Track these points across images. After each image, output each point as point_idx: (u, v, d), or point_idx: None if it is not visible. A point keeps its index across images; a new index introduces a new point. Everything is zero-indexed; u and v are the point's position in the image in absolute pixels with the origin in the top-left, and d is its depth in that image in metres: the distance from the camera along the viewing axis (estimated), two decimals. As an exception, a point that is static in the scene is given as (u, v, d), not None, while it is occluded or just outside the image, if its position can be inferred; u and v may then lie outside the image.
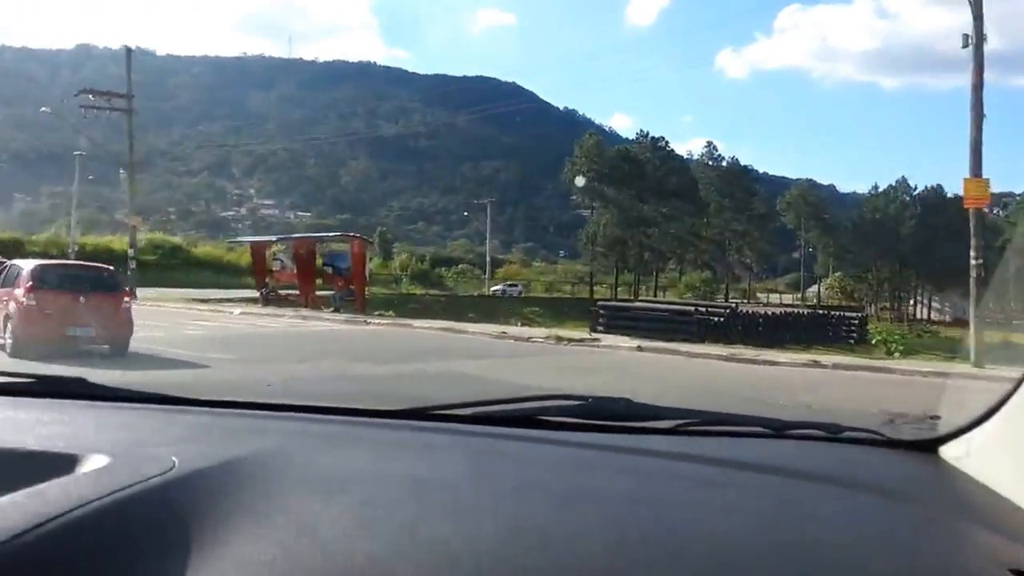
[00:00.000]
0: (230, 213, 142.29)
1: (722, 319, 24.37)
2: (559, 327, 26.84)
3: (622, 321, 24.81)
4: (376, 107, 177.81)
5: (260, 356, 15.48)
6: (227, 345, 17.28)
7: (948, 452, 1.53)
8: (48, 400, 1.69)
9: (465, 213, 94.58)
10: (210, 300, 34.39)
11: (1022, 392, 1.37)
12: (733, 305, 33.39)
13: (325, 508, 1.11)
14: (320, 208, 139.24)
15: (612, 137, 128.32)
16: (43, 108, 45.41)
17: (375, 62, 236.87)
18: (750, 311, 29.85)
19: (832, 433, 1.66)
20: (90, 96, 35.15)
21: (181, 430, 1.48)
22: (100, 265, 16.01)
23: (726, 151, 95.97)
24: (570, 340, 20.92)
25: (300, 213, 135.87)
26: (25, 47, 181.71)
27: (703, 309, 25.69)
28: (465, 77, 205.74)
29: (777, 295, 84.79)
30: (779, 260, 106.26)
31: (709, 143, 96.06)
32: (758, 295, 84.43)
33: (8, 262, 15.67)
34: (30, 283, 13.57)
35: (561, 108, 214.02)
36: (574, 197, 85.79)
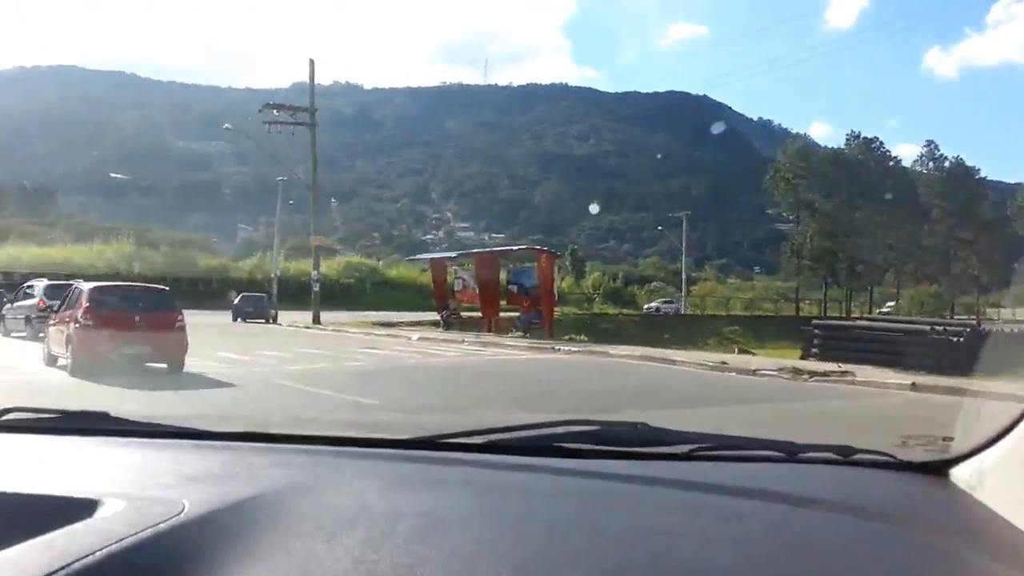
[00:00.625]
0: (429, 236, 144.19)
1: (961, 339, 18.45)
2: (762, 349, 22.17)
3: (841, 343, 19.63)
4: (567, 127, 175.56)
5: (414, 399, 11.83)
6: (384, 382, 13.93)
7: (958, 474, 1.49)
8: (71, 437, 1.68)
9: (659, 228, 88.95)
10: (394, 324, 31.52)
11: None
12: (974, 323, 26.86)
13: (328, 549, 1.09)
14: (513, 229, 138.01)
15: (811, 147, 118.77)
16: (239, 135, 44.66)
17: (567, 83, 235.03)
18: (998, 329, 24.39)
19: (844, 456, 1.63)
20: (274, 111, 33.29)
21: (195, 468, 1.44)
22: (155, 286, 16.07)
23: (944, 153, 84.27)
24: (812, 374, 15.65)
25: (494, 234, 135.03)
26: (248, 88, 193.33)
27: (940, 328, 19.67)
28: (656, 93, 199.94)
29: (1007, 310, 73.10)
30: (1011, 271, 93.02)
31: (930, 143, 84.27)
32: (986, 310, 73.19)
33: (74, 284, 15.65)
34: (87, 304, 13.41)
35: (755, 119, 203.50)
36: (770, 211, 78.27)
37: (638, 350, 20.50)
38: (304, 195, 36.95)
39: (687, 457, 1.60)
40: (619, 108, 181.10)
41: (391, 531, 1.15)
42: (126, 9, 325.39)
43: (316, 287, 33.96)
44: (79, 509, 1.17)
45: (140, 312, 13.81)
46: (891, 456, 1.64)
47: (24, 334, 22.06)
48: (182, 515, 1.14)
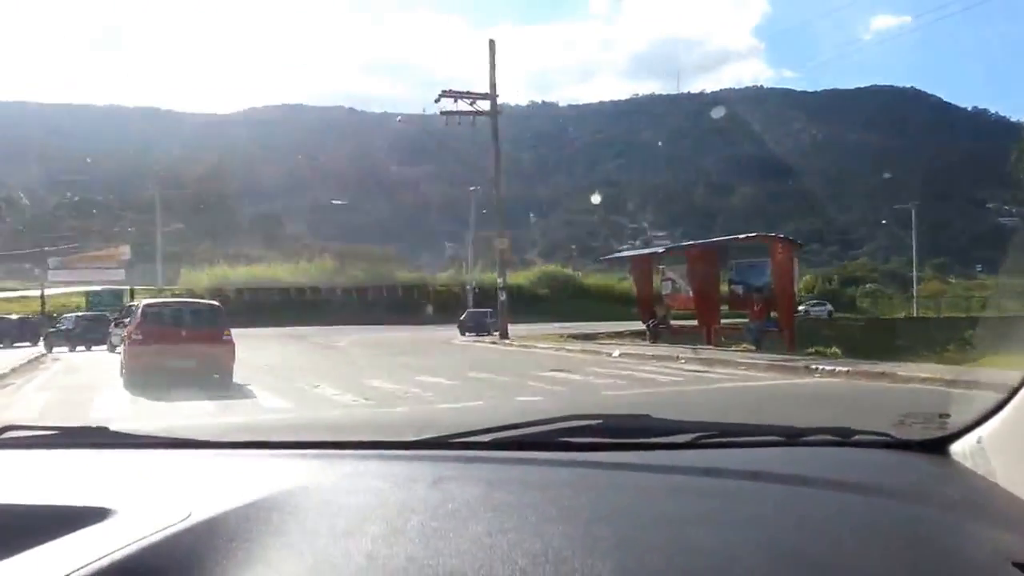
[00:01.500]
0: (625, 246, 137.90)
1: None
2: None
3: None
4: (763, 130, 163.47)
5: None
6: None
7: (957, 450, 1.50)
8: (72, 451, 1.63)
9: (883, 222, 78.05)
10: (591, 336, 26.01)
11: None
12: None
13: (338, 549, 1.07)
14: (711, 236, 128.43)
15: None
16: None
17: (762, 85, 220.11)
18: None
19: (844, 437, 1.62)
20: (453, 101, 28.78)
21: (200, 476, 1.42)
22: (204, 301, 17.03)
23: None
24: None
25: (691, 241, 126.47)
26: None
27: None
28: (858, 89, 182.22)
29: None
30: None
31: None
32: None
33: (133, 303, 17.48)
34: (138, 320, 13.91)
35: (969, 108, 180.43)
36: (991, 205, 65.41)
37: (924, 367, 13.65)
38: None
39: (691, 445, 1.58)
40: (820, 106, 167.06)
41: (403, 527, 1.12)
42: (342, 49, 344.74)
43: (502, 296, 29.17)
44: (87, 517, 1.14)
45: (189, 327, 13.91)
46: (889, 435, 1.62)
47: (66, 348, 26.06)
48: (189, 520, 1.11)
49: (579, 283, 61.01)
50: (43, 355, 24.86)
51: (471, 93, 28.78)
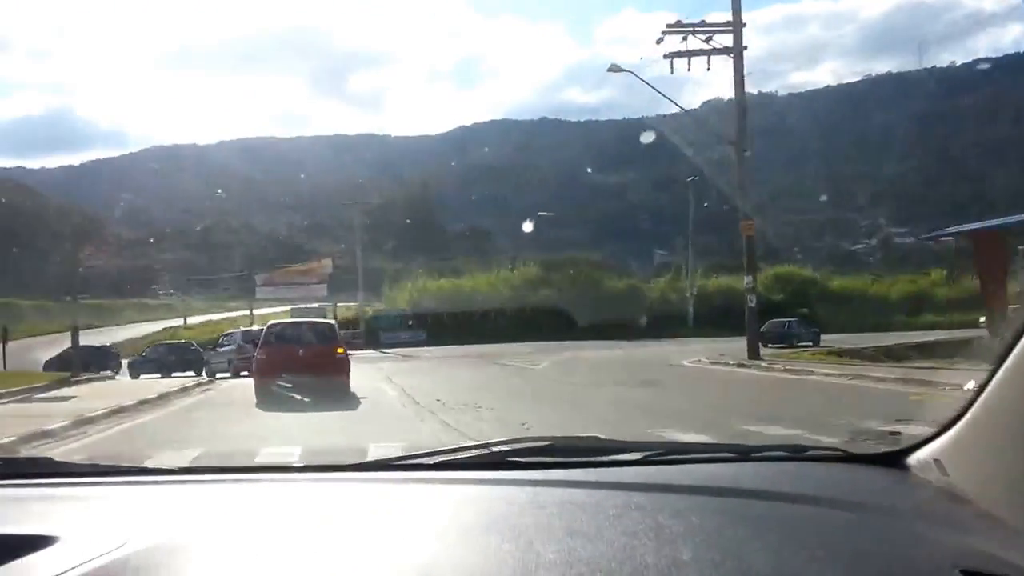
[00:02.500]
0: (859, 246, 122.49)
1: None
2: None
3: None
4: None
5: None
6: None
7: (910, 463, 1.49)
8: (14, 482, 1.62)
9: None
10: (896, 355, 17.72)
11: (982, 401, 1.33)
12: None
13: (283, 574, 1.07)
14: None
15: None
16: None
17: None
18: None
19: (796, 453, 1.61)
20: (681, 39, 21.53)
21: (139, 506, 1.42)
22: (321, 320, 18.90)
23: None
24: None
25: (944, 239, 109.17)
26: (658, 114, 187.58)
27: None
28: None
29: None
30: None
31: None
32: None
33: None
34: (263, 339, 15.48)
35: None
36: None
37: None
38: (717, 211, 25.93)
39: (641, 462, 1.55)
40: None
41: (345, 550, 1.12)
42: (542, 60, 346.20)
43: (751, 301, 21.20)
44: (26, 545, 1.15)
45: (305, 345, 14.97)
46: (842, 450, 1.62)
47: (227, 374, 25.21)
48: (122, 550, 1.12)
49: (822, 286, 51.18)
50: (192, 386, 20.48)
51: (705, 25, 21.15)
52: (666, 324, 38.34)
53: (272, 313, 48.66)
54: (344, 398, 13.79)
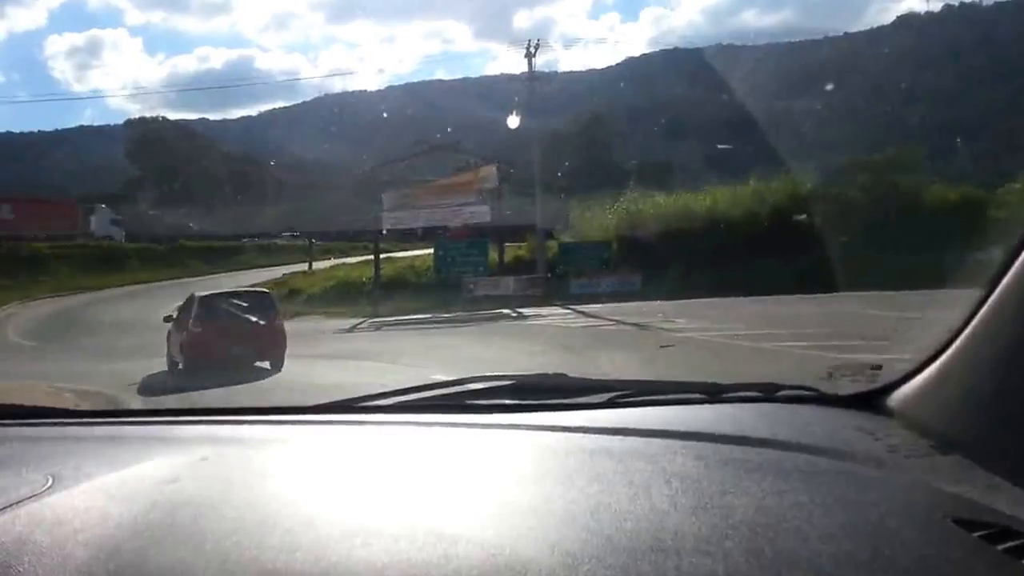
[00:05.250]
0: None
1: None
2: None
3: None
4: None
5: None
6: None
7: (889, 403, 1.38)
8: None
9: None
10: None
11: (962, 339, 1.21)
12: None
13: (217, 518, 1.00)
14: None
15: None
16: None
17: None
18: None
19: (768, 393, 1.51)
20: None
21: (61, 447, 1.35)
22: (255, 290, 17.05)
23: None
24: None
25: None
26: (846, 33, 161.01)
27: None
28: None
29: None
30: None
31: None
32: None
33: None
34: (196, 311, 13.52)
35: None
36: None
37: None
38: None
39: (608, 405, 1.47)
40: None
41: (299, 493, 1.05)
42: None
43: None
44: None
45: (241, 316, 13.34)
46: (816, 390, 1.51)
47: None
48: (47, 488, 1.09)
49: None
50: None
51: None
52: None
53: (409, 257, 35.97)
54: None
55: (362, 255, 39.96)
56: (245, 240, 56.36)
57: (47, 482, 1.11)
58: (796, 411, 1.45)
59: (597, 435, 1.29)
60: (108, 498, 1.06)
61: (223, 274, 46.37)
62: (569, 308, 24.85)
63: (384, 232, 32.18)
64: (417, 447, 1.27)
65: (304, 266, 43.32)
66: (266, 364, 12.99)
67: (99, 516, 1.00)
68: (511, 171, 33.45)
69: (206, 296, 14.33)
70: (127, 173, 73.96)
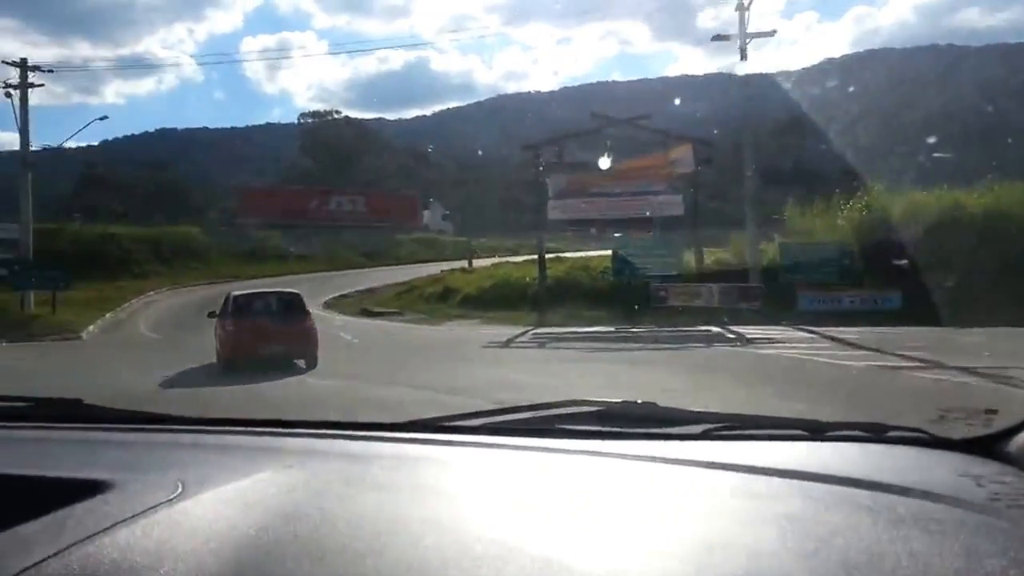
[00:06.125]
0: None
1: None
2: None
3: None
4: None
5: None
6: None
7: (1005, 450, 1.28)
8: (48, 424, 1.56)
9: None
10: None
11: None
12: None
13: (332, 531, 1.00)
14: None
15: None
16: None
17: None
18: None
19: (875, 433, 1.42)
20: None
21: (185, 453, 1.35)
22: (286, 291, 15.57)
23: None
24: None
25: None
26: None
27: None
28: None
29: None
30: None
31: None
32: None
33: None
34: (230, 310, 13.72)
35: None
36: None
37: None
38: None
39: (701, 436, 1.40)
40: None
41: (392, 509, 1.05)
42: None
43: None
44: (81, 490, 1.10)
45: (274, 315, 13.68)
46: (927, 433, 1.40)
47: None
48: (179, 494, 1.08)
49: None
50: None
51: None
52: None
53: (580, 258, 29.70)
54: None
55: (529, 254, 34.70)
56: (400, 235, 53.41)
57: (178, 488, 1.10)
58: (906, 453, 1.34)
59: (693, 467, 1.22)
60: (233, 507, 1.05)
61: (381, 267, 43.35)
62: (807, 330, 17.63)
63: (549, 221, 25.55)
64: (506, 469, 1.25)
65: (464, 263, 38.53)
66: (301, 362, 13.04)
67: (227, 525, 1.00)
68: (711, 153, 26.01)
69: (239, 295, 14.40)
70: (300, 167, 74.21)
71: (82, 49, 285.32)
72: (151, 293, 33.46)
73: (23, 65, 28.00)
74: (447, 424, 1.51)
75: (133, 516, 1.00)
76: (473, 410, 1.55)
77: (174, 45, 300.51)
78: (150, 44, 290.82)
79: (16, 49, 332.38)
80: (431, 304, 28.78)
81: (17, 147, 28.17)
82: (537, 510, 1.06)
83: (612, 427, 1.42)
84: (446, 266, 37.22)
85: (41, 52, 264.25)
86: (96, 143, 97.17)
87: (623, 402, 1.52)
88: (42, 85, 29.03)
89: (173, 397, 10.23)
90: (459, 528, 1.00)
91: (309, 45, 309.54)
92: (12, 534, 0.96)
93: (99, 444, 1.43)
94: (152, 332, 23.97)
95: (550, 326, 21.03)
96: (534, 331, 20.20)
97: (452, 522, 1.02)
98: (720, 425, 1.43)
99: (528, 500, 1.10)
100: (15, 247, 28.14)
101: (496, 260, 37.89)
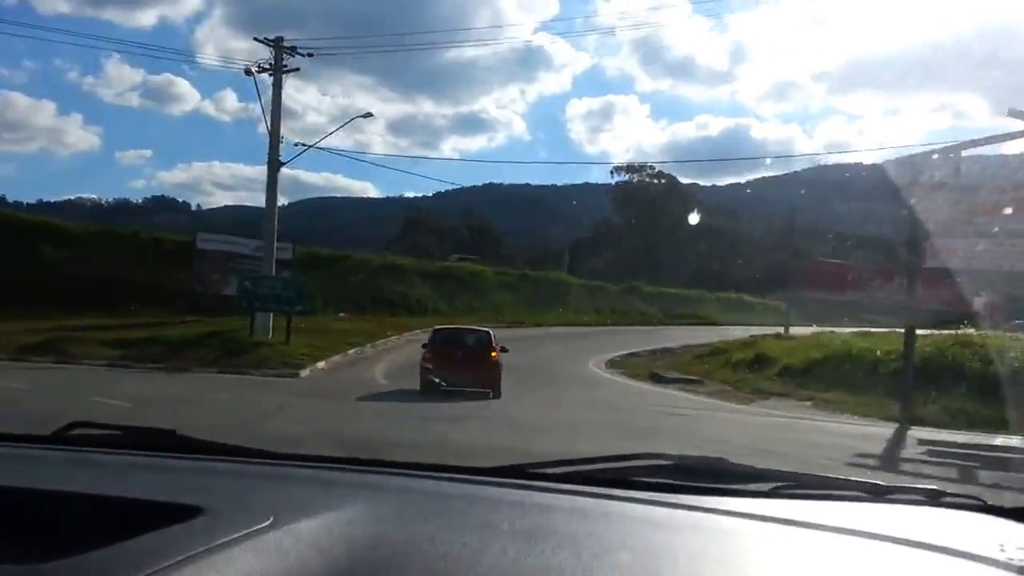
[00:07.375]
0: None
1: None
2: None
3: None
4: None
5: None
6: None
7: None
8: (141, 452, 1.60)
9: None
10: None
11: None
12: None
13: (422, 564, 1.03)
14: None
15: None
16: None
17: None
18: None
19: (932, 498, 1.46)
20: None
21: (277, 484, 1.39)
22: (478, 328, 18.73)
23: None
24: None
25: None
26: None
27: None
28: None
29: None
30: None
31: None
32: None
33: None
34: (429, 341, 16.58)
35: None
36: None
37: None
38: None
39: (770, 494, 1.43)
40: None
41: (477, 553, 1.06)
42: None
43: None
44: (171, 515, 1.12)
45: (462, 348, 16.34)
46: (981, 500, 1.45)
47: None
48: (269, 524, 1.09)
49: None
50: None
51: None
52: None
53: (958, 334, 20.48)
54: None
55: (859, 326, 26.38)
56: (705, 292, 47.10)
57: (269, 517, 1.10)
58: (963, 519, 1.37)
59: (765, 523, 1.24)
60: (325, 538, 1.07)
61: (675, 326, 37.66)
62: None
63: (923, 269, 16.97)
64: (586, 517, 1.26)
65: (778, 329, 31.21)
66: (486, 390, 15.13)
67: (318, 555, 1.01)
68: None
69: (439, 329, 17.65)
70: (609, 221, 72.53)
71: (426, 106, 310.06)
72: (417, 331, 28.67)
73: (278, 45, 24.40)
74: (530, 471, 1.51)
75: (224, 542, 1.01)
76: (552, 459, 1.56)
77: (507, 105, 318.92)
78: (486, 103, 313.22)
79: (370, 103, 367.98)
80: (738, 373, 22.07)
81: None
82: (614, 558, 1.07)
83: (684, 481, 1.42)
84: (752, 331, 30.30)
85: (391, 107, 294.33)
86: (430, 194, 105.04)
87: (696, 456, 1.55)
88: (297, 69, 25.09)
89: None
90: (536, 565, 1.02)
91: (631, 108, 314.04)
92: (115, 551, 0.97)
93: (190, 472, 1.44)
94: (384, 378, 19.39)
95: (927, 425, 13.49)
96: (907, 431, 12.77)
97: (529, 558, 1.04)
98: (788, 484, 1.45)
99: (605, 546, 1.11)
100: (288, 266, 26.24)
101: (815, 329, 30.11)
